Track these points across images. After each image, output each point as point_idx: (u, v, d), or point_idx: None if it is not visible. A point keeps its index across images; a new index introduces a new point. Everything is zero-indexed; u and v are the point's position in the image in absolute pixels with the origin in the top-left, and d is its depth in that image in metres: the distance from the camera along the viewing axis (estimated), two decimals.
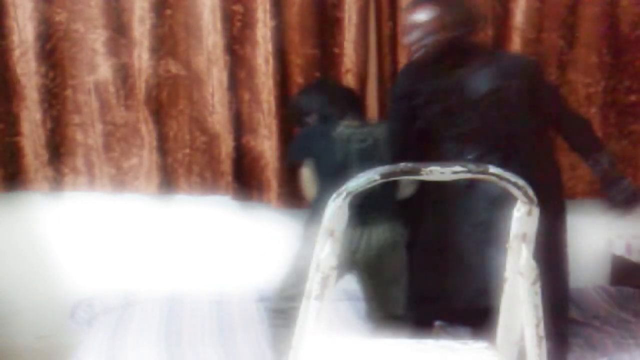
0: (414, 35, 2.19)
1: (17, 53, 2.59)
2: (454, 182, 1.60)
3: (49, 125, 2.64)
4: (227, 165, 2.71)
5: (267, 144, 2.69)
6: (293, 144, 2.45)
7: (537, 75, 2.29)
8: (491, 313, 1.71)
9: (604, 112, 2.82)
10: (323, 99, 2.40)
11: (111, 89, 2.64)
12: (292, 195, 2.71)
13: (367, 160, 2.15)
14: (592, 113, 2.81)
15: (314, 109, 2.39)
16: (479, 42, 2.31)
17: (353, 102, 2.46)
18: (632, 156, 2.88)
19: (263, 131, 2.70)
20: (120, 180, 2.72)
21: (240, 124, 2.68)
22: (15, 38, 2.57)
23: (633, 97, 2.82)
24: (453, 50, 2.19)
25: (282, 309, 2.18)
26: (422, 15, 2.18)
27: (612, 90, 2.81)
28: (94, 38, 2.60)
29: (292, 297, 2.16)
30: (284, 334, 2.13)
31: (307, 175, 2.32)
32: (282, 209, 2.73)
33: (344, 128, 2.29)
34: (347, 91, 2.55)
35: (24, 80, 2.60)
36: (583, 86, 2.79)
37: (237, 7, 2.60)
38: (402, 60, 2.66)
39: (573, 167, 2.85)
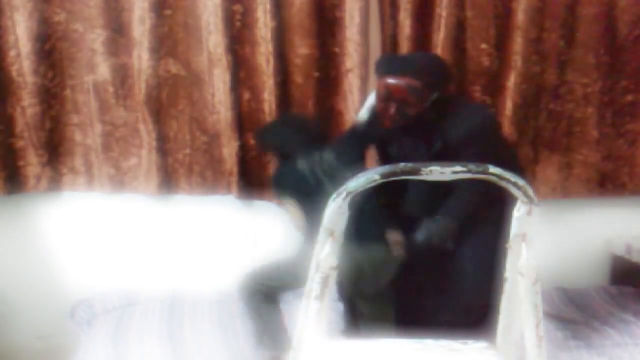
0: (390, 107, 2.16)
1: (12, 53, 2.58)
2: None
3: (47, 125, 2.64)
4: (229, 165, 2.71)
5: None
6: (272, 182, 2.50)
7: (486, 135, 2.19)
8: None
9: (601, 112, 2.82)
10: (282, 137, 2.40)
11: (110, 89, 2.64)
12: None
13: (337, 182, 2.21)
14: (590, 112, 2.81)
15: (273, 146, 2.46)
16: (445, 96, 2.26)
17: (311, 134, 2.43)
18: (628, 155, 2.88)
19: None
20: (120, 181, 2.72)
21: (241, 124, 2.68)
22: (10, 38, 2.56)
23: (629, 97, 2.83)
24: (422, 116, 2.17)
25: (259, 290, 2.27)
26: (399, 86, 2.12)
27: (609, 90, 2.81)
28: (94, 38, 2.60)
29: (272, 278, 2.27)
30: (264, 313, 2.27)
31: (292, 209, 2.35)
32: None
33: (306, 163, 2.30)
34: (303, 124, 2.51)
35: (20, 80, 2.60)
36: (581, 86, 2.79)
37: (237, 7, 2.60)
38: None
39: (570, 166, 2.86)
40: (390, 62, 2.21)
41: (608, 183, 2.90)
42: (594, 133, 2.84)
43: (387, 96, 2.15)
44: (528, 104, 2.75)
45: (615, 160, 2.88)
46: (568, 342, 2.39)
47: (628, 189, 2.91)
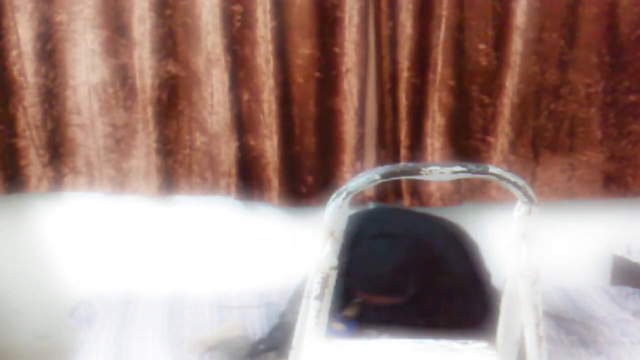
0: None
1: (14, 53, 2.59)
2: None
3: (49, 125, 2.65)
4: (228, 165, 2.71)
5: (267, 143, 2.70)
6: None
7: None
8: None
9: (603, 112, 2.81)
10: None
11: (110, 89, 2.64)
12: (292, 194, 2.71)
13: None
14: (592, 113, 2.80)
15: None
16: None
17: None
18: (632, 156, 2.87)
19: (263, 131, 2.70)
20: (120, 182, 2.72)
21: (240, 124, 2.68)
22: (12, 38, 2.57)
23: (632, 97, 2.81)
24: None
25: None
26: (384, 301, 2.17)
27: (611, 90, 2.80)
28: (94, 38, 2.60)
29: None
30: None
31: None
32: (283, 207, 2.73)
33: None
34: None
35: (21, 80, 2.60)
36: (583, 86, 2.78)
37: (237, 7, 2.60)
38: (401, 60, 2.66)
39: (573, 167, 2.85)
40: (372, 281, 2.14)
41: (612, 184, 2.89)
42: (598, 134, 2.82)
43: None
44: (527, 104, 2.75)
45: (618, 161, 2.87)
46: (567, 341, 2.39)
47: (631, 190, 2.89)
